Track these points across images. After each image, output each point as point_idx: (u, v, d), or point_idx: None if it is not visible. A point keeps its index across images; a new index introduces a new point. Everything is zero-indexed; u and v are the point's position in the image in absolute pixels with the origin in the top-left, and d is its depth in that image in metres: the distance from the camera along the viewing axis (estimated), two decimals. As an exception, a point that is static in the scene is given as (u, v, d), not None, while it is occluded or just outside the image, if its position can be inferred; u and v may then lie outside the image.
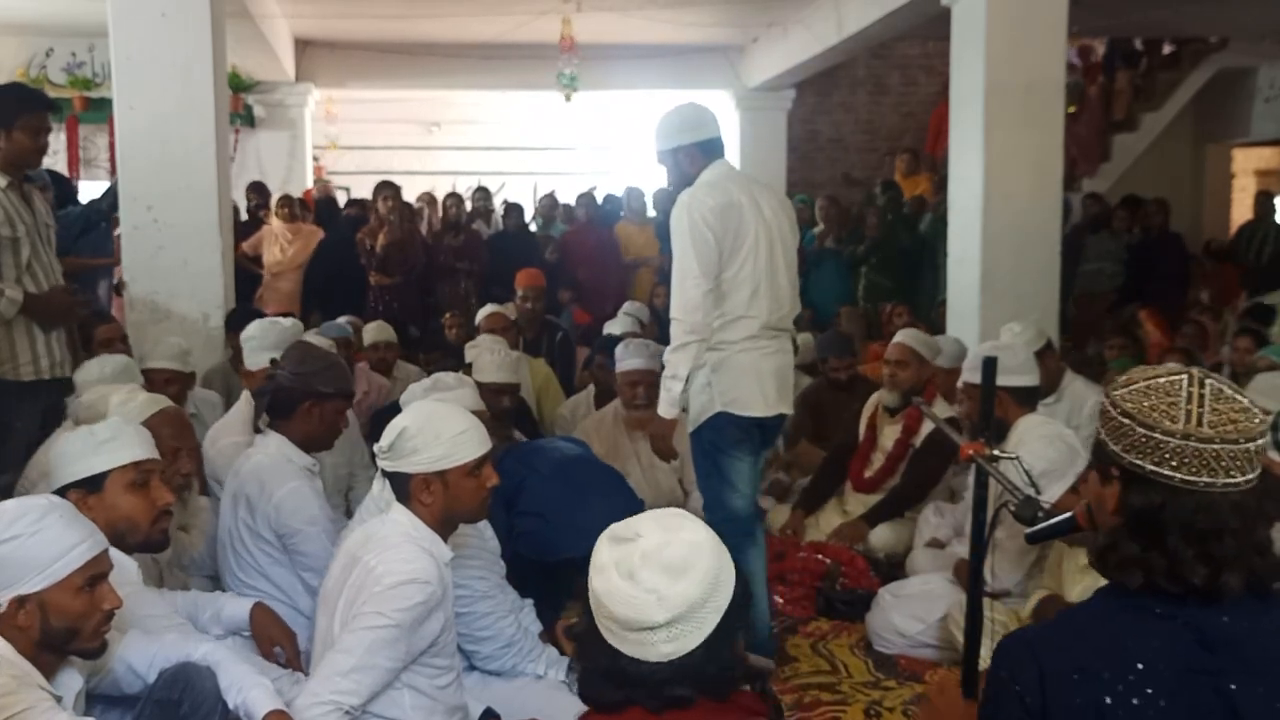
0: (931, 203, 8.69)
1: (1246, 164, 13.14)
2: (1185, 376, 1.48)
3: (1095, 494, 1.60)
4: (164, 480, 2.60)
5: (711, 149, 3.44)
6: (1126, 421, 1.48)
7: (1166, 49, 11.12)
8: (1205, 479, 1.43)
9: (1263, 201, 9.53)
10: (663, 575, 1.50)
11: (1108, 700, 1.44)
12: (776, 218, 3.44)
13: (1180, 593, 1.46)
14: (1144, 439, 1.46)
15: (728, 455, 3.43)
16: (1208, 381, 1.48)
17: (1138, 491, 1.48)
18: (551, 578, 3.34)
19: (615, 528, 1.60)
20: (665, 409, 3.41)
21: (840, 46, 8.58)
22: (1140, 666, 1.44)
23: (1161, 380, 1.49)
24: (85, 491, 2.46)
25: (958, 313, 5.77)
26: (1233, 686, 1.42)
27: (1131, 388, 1.51)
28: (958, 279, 5.80)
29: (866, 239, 8.40)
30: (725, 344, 3.36)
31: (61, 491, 2.46)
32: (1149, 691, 1.43)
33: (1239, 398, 1.48)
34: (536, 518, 3.45)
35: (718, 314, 3.33)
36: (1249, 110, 10.49)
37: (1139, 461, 1.47)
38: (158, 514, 2.54)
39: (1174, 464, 1.44)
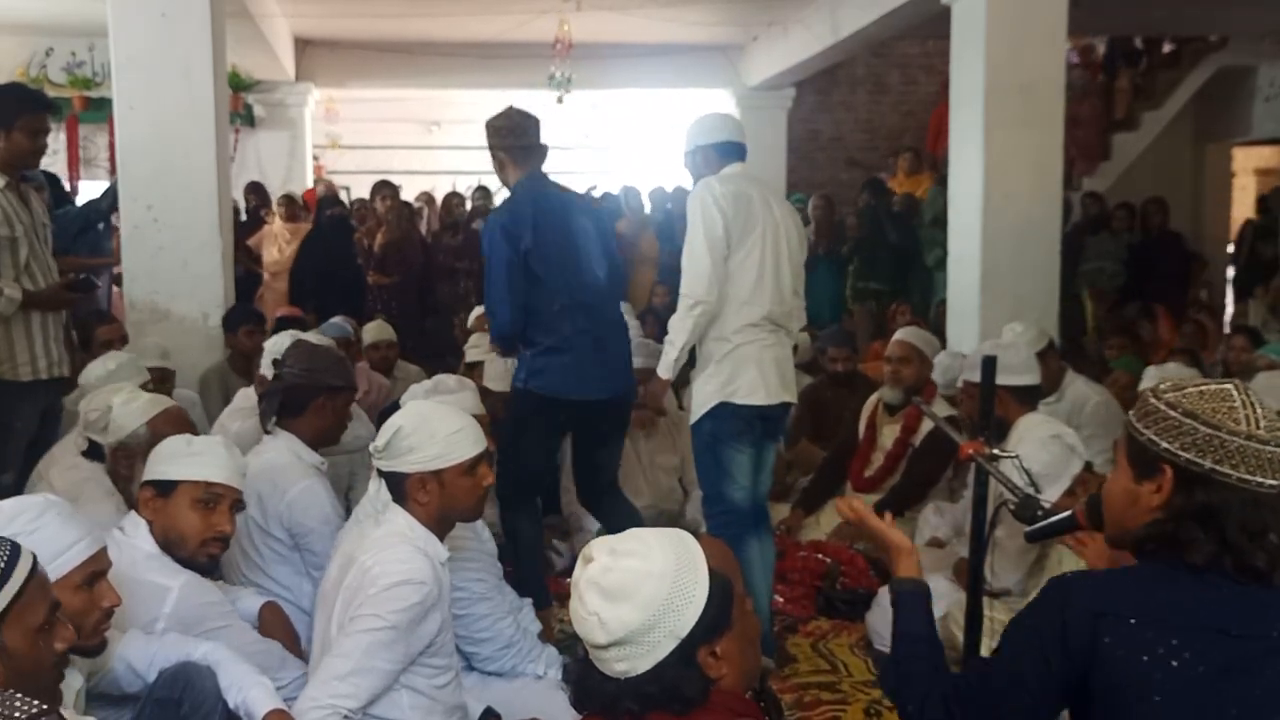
0: (923, 199, 8.69)
1: (1246, 163, 13.14)
2: (1232, 385, 1.61)
3: (1126, 491, 1.68)
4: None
5: (727, 152, 3.57)
6: (1189, 421, 1.59)
7: (1166, 48, 11.11)
8: (1258, 479, 1.55)
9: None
10: (601, 600, 1.53)
11: (1145, 658, 1.55)
12: (785, 221, 3.57)
13: (1236, 576, 1.57)
14: (1207, 438, 1.57)
15: (728, 447, 3.49)
16: (1251, 391, 1.61)
17: (1198, 489, 1.58)
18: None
19: (586, 548, 1.62)
20: (664, 369, 3.53)
21: (840, 45, 8.58)
22: (1186, 628, 1.55)
23: (1213, 387, 1.62)
24: (156, 492, 2.57)
25: (958, 313, 5.77)
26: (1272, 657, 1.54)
27: (1184, 391, 1.62)
28: (958, 279, 5.80)
29: (849, 240, 8.42)
30: (727, 335, 3.45)
31: (143, 485, 2.60)
32: (1187, 656, 1.54)
33: (1273, 407, 1.60)
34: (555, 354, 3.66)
35: (722, 295, 3.42)
36: (1249, 109, 10.48)
37: (1198, 459, 1.58)
38: (209, 538, 2.59)
39: (1234, 463, 1.56)
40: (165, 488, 2.56)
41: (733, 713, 1.55)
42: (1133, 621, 1.58)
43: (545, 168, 3.78)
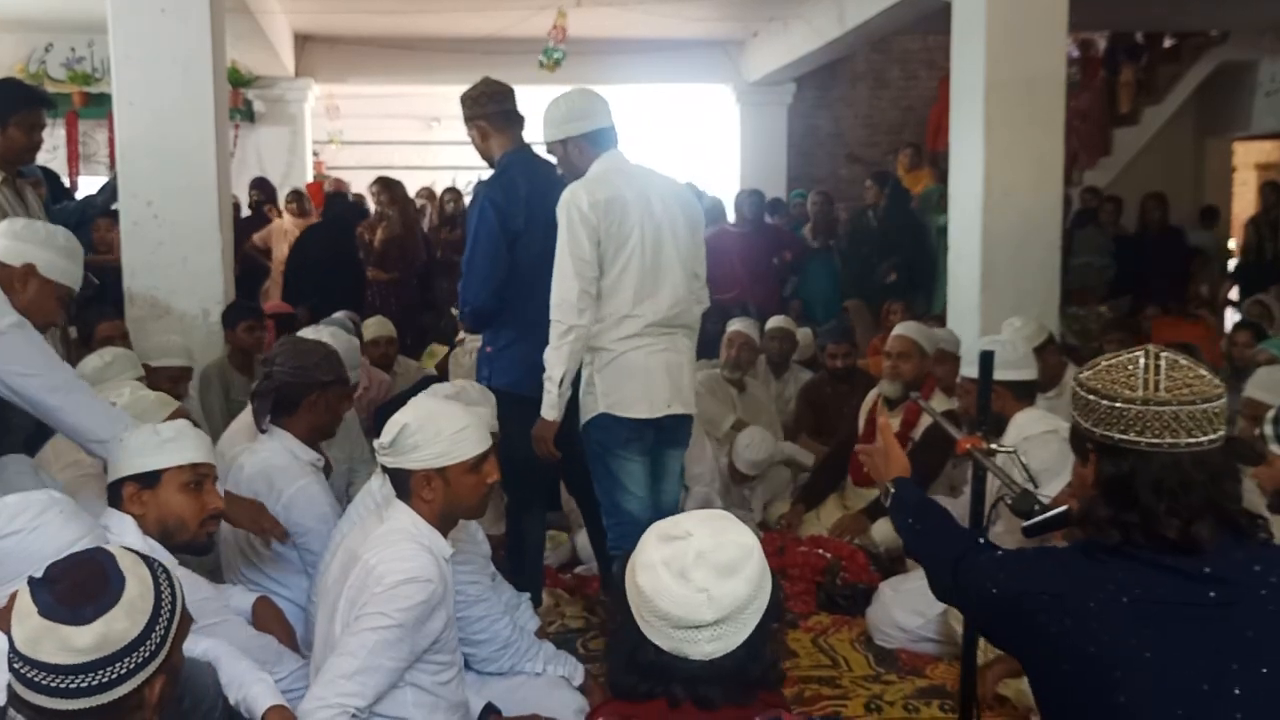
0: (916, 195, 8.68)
1: (1247, 158, 13.13)
2: (1141, 353, 1.63)
3: (1079, 476, 1.73)
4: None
5: (601, 140, 3.34)
6: (1092, 398, 1.63)
7: (1167, 43, 11.10)
8: (1168, 440, 1.57)
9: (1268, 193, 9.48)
10: (714, 575, 1.54)
11: (1067, 621, 1.57)
12: (668, 211, 3.32)
13: (1159, 547, 1.58)
14: (1108, 410, 1.61)
15: (616, 456, 3.32)
16: (1163, 355, 1.62)
17: (1110, 461, 1.62)
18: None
19: (663, 525, 1.63)
20: (547, 410, 3.27)
21: (840, 41, 8.58)
22: (1110, 588, 1.57)
23: (1121, 359, 1.64)
24: (140, 486, 2.54)
25: (958, 309, 5.77)
26: (1217, 610, 1.54)
27: (1096, 369, 1.66)
28: (958, 275, 5.80)
29: (839, 236, 8.43)
30: (610, 343, 3.26)
31: (119, 483, 2.55)
32: (1109, 617, 1.56)
33: (1195, 367, 1.61)
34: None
35: (601, 315, 3.24)
36: (1250, 104, 10.47)
37: (1108, 433, 1.61)
38: (206, 517, 2.60)
39: (1138, 429, 1.58)
40: (150, 479, 2.54)
41: (767, 704, 1.57)
42: (1046, 596, 1.61)
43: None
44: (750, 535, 1.61)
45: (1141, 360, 1.60)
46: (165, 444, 2.57)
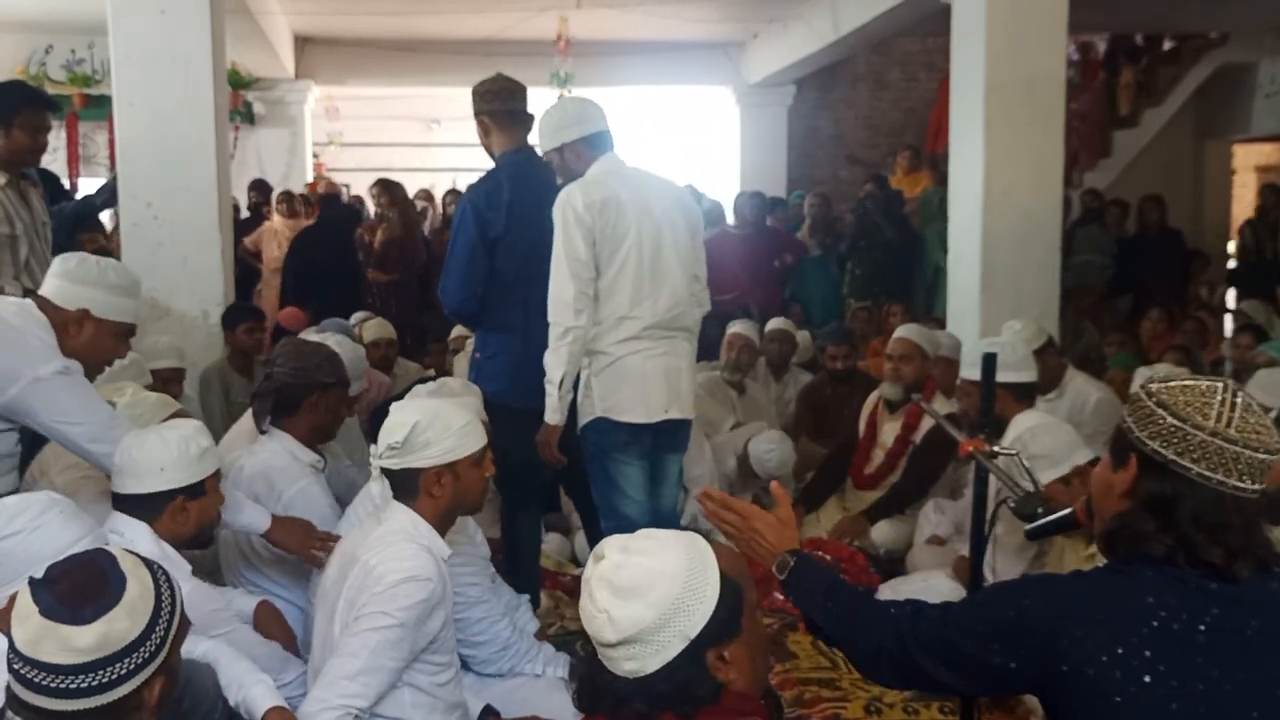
0: (917, 196, 8.66)
1: (1247, 160, 13.13)
2: (1222, 384, 1.60)
3: (1103, 480, 1.69)
4: None
5: (598, 143, 3.33)
6: (1159, 410, 1.59)
7: (1167, 45, 11.10)
8: (1219, 477, 1.54)
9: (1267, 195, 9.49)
10: (612, 597, 1.53)
11: (1119, 650, 1.52)
12: (667, 213, 3.31)
13: (1204, 571, 1.55)
14: (1173, 429, 1.56)
15: (614, 460, 3.31)
16: (1240, 394, 1.60)
17: (1154, 479, 1.58)
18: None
19: (599, 545, 1.63)
20: (550, 415, 3.25)
21: (840, 42, 8.59)
22: (1163, 615, 1.53)
23: (1201, 384, 1.61)
24: (188, 497, 2.59)
25: (958, 310, 5.77)
26: (1253, 637, 1.52)
27: (1170, 384, 1.63)
28: (958, 277, 5.80)
29: (845, 236, 8.43)
30: (607, 346, 3.26)
31: (167, 496, 2.56)
32: (1148, 654, 1.51)
33: (1265, 416, 1.59)
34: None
35: (600, 317, 3.24)
36: (1249, 106, 10.46)
37: (1162, 450, 1.57)
38: (217, 513, 2.71)
39: (1195, 456, 1.55)
40: (198, 489, 2.61)
41: (737, 713, 1.56)
42: (1089, 622, 1.55)
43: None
44: (674, 559, 1.55)
45: (1220, 394, 1.58)
46: (205, 453, 2.64)
